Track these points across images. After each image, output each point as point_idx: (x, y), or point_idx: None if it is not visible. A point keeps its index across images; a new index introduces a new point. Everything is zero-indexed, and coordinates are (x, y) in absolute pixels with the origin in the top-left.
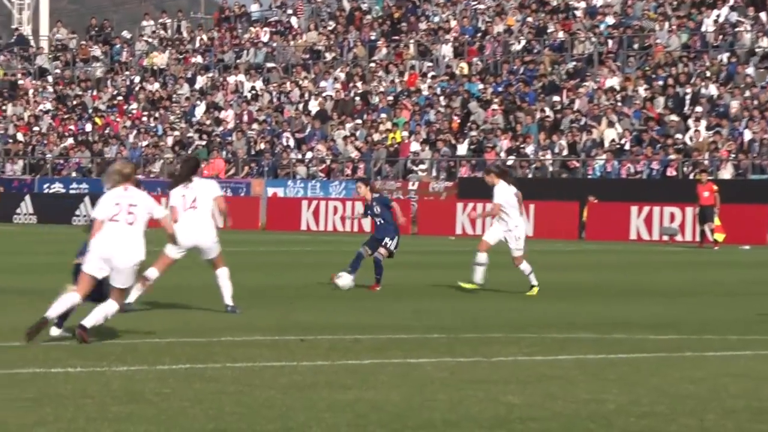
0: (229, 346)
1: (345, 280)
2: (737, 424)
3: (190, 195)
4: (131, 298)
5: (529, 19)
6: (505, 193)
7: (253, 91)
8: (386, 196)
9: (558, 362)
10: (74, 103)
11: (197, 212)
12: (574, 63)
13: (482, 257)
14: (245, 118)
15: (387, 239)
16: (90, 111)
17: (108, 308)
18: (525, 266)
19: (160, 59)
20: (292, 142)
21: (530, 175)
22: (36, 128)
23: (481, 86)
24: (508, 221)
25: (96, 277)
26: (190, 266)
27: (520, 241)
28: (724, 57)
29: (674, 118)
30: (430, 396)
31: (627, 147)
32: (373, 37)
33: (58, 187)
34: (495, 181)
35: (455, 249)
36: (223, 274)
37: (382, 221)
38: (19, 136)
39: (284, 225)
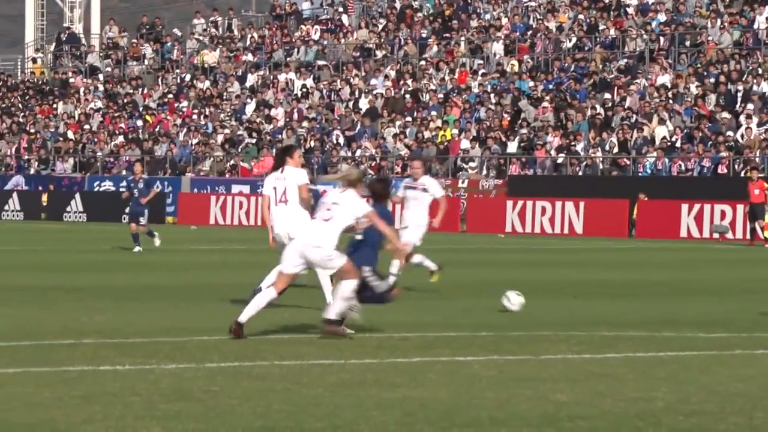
0: (277, 344)
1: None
2: None
3: (280, 186)
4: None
5: (581, 17)
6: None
7: (304, 89)
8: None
9: (607, 360)
10: (125, 101)
11: (289, 204)
12: (626, 60)
13: (417, 258)
14: (295, 115)
15: None
16: (140, 109)
17: (341, 290)
18: (419, 257)
19: (210, 57)
20: (342, 140)
21: (580, 173)
22: (86, 126)
23: (531, 84)
24: (421, 214)
25: (292, 275)
26: (237, 264)
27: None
28: None
29: (726, 115)
30: (478, 394)
31: (678, 144)
32: (423, 35)
33: (108, 185)
34: (419, 174)
35: (504, 247)
36: (321, 272)
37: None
38: (70, 134)
39: None
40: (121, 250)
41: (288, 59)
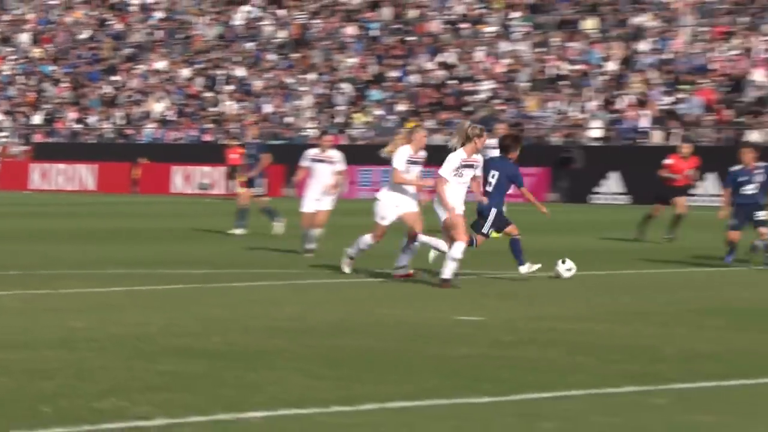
0: None
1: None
2: (255, 339)
3: None
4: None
5: (94, 13)
6: None
7: None
8: None
9: (113, 293)
10: None
11: None
12: (131, 49)
13: None
14: None
15: None
16: None
17: (453, 251)
18: None
19: None
20: None
21: (94, 141)
22: None
23: (53, 67)
24: None
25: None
26: None
27: None
28: (251, 45)
29: (210, 94)
30: (6, 322)
31: (172, 118)
32: None
33: None
34: None
35: (30, 201)
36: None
37: None
38: None
39: None
40: None
41: None
